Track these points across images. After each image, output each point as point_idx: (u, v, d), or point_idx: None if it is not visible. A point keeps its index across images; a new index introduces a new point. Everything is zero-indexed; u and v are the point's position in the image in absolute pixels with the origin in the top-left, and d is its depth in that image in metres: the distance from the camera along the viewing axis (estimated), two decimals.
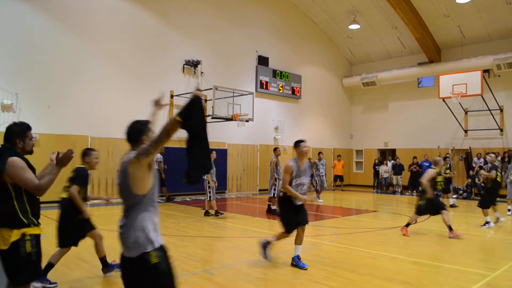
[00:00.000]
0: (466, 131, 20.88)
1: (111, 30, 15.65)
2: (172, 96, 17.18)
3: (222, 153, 18.67)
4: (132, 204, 3.08)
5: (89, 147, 5.98)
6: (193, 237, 8.75)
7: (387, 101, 24.45)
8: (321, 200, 16.01)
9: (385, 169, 21.71)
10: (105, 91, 15.37)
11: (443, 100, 19.04)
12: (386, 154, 23.93)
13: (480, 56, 19.73)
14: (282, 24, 21.99)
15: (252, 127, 19.22)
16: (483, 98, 18.45)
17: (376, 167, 22.27)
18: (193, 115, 3.07)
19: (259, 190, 20.25)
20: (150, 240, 3.02)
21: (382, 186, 21.92)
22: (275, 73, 21.18)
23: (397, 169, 21.02)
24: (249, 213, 12.63)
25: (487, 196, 10.98)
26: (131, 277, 3.04)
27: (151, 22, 16.74)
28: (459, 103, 19.21)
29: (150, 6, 16.68)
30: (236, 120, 16.14)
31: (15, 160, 3.61)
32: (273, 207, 12.34)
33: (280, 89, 21.39)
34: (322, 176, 16.66)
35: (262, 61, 20.71)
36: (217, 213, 11.82)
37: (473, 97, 18.51)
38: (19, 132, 3.82)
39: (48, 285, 5.36)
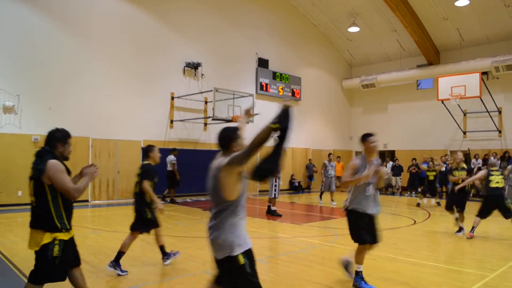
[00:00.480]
0: (464, 133, 20.97)
1: (111, 31, 15.74)
2: (172, 98, 17.25)
3: None
4: (222, 208, 3.22)
5: (151, 144, 6.52)
6: (194, 238, 8.81)
7: (386, 103, 24.53)
8: (335, 203, 15.45)
9: (385, 171, 21.71)
10: (105, 92, 15.45)
11: (442, 102, 19.13)
12: (385, 155, 23.98)
13: (479, 59, 19.81)
14: (282, 26, 22.09)
15: (252, 129, 19.19)
16: (481, 100, 18.53)
17: None
18: (286, 123, 3.44)
19: (259, 191, 20.31)
20: (239, 243, 3.20)
21: (384, 187, 21.98)
22: (275, 75, 21.28)
23: (396, 170, 21.09)
24: (249, 214, 12.69)
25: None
26: (221, 277, 3.31)
27: (151, 23, 16.83)
28: (458, 105, 19.30)
29: (150, 7, 16.77)
30: (236, 122, 16.15)
31: (55, 162, 3.77)
32: (273, 208, 12.39)
33: (280, 91, 21.48)
34: (332, 177, 15.99)
35: (262, 63, 20.81)
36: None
37: (472, 99, 18.58)
38: (60, 137, 3.99)
39: (120, 272, 5.95)
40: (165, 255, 6.55)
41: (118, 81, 15.84)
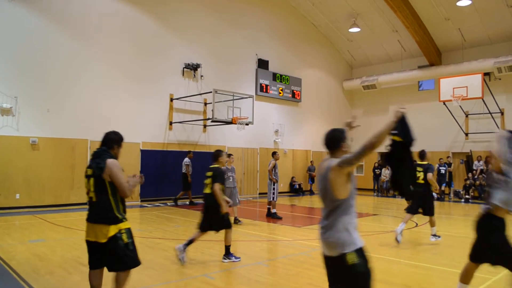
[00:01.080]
0: (466, 134, 20.84)
1: (110, 33, 15.65)
2: (171, 100, 17.17)
3: None
4: (334, 207, 3.31)
5: (219, 149, 7.51)
6: None
7: (387, 104, 24.40)
8: None
9: (387, 173, 21.65)
10: (104, 94, 15.35)
11: (444, 103, 19.01)
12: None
13: (481, 59, 19.69)
14: (282, 27, 22.01)
15: (252, 131, 19.20)
16: (483, 101, 18.42)
17: (376, 170, 22.22)
18: (410, 138, 3.53)
19: (259, 193, 20.20)
20: (351, 241, 3.27)
21: (383, 189, 21.87)
22: (275, 77, 21.18)
23: None
24: (249, 217, 12.58)
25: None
26: (333, 275, 3.40)
27: (150, 25, 16.75)
28: (460, 106, 19.17)
29: (149, 9, 16.69)
30: (236, 124, 16.10)
31: (114, 161, 4.24)
32: (273, 211, 12.29)
33: (280, 93, 21.39)
34: None
35: (262, 64, 20.72)
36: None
37: (474, 100, 18.44)
38: (118, 140, 4.48)
39: (234, 259, 6.90)
40: (227, 254, 7.01)
41: (117, 83, 15.76)
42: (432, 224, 8.72)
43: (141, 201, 16.01)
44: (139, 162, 16.00)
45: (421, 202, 8.64)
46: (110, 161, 4.18)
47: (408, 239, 9.17)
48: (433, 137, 21.68)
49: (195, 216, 12.55)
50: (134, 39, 16.28)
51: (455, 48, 21.56)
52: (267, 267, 6.83)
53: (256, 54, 20.60)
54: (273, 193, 12.17)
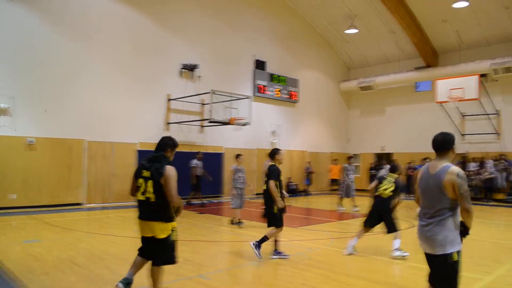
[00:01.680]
0: (463, 135, 20.91)
1: (109, 33, 15.65)
2: (169, 100, 17.17)
3: (219, 157, 18.68)
4: (445, 207, 3.61)
5: (277, 148, 7.84)
6: (189, 242, 8.72)
7: (384, 105, 24.48)
8: (357, 208, 14.45)
9: (383, 174, 21.67)
10: (101, 94, 15.35)
11: (440, 105, 19.06)
12: (383, 158, 23.92)
13: (478, 61, 19.75)
14: (280, 28, 22.04)
15: (249, 131, 19.21)
16: (480, 102, 18.48)
17: (372, 171, 22.26)
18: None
19: (256, 194, 20.18)
20: (458, 241, 3.60)
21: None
22: (272, 77, 21.20)
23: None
24: (245, 218, 12.58)
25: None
26: (434, 272, 3.73)
27: (148, 25, 16.75)
28: (456, 107, 19.25)
29: (147, 9, 16.69)
30: (233, 124, 16.12)
31: (172, 169, 4.62)
32: None
33: (277, 93, 21.41)
34: (352, 182, 14.94)
35: (260, 65, 20.74)
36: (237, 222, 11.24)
37: (470, 102, 18.50)
38: (172, 145, 4.89)
39: (283, 256, 7.24)
40: (275, 251, 7.35)
41: (115, 83, 15.75)
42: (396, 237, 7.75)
43: None
44: (135, 162, 15.98)
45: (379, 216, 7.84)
46: (168, 167, 4.60)
47: (405, 240, 9.18)
48: (429, 138, 21.64)
49: (191, 217, 12.58)
50: (133, 39, 16.28)
51: (452, 49, 21.62)
52: (261, 268, 6.84)
53: (254, 55, 20.62)
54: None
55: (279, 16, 22.00)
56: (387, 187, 7.77)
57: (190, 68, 17.75)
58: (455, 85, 18.03)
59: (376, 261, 7.29)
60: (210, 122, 16.01)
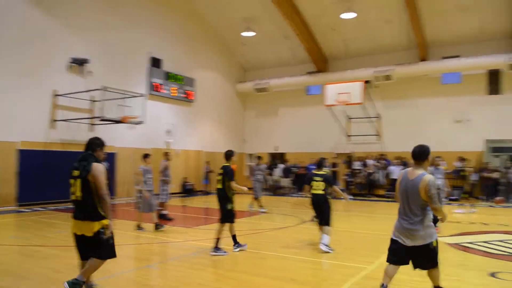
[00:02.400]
0: (349, 136, 22.43)
1: None
2: (55, 96, 15.95)
3: (111, 157, 17.79)
4: (423, 207, 4.69)
5: (232, 150, 8.15)
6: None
7: (278, 107, 25.33)
8: (265, 209, 14.42)
9: (277, 173, 22.49)
10: None
11: (329, 108, 20.21)
12: (277, 158, 24.76)
13: (362, 68, 21.35)
14: (177, 27, 21.68)
15: (143, 130, 18.63)
16: (364, 106, 19.94)
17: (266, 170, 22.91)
18: None
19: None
20: (435, 232, 4.77)
21: (274, 188, 22.56)
22: (168, 76, 20.77)
23: (286, 172, 21.86)
24: (139, 219, 12.15)
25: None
26: (417, 259, 4.78)
27: (34, 15, 15.38)
28: (343, 110, 20.58)
29: None
30: (126, 123, 15.49)
31: (99, 165, 4.78)
32: (165, 212, 11.96)
33: (173, 92, 21.02)
34: (260, 182, 14.93)
35: (155, 62, 20.20)
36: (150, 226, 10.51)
37: (355, 105, 19.85)
38: (99, 144, 5.06)
39: (222, 253, 7.48)
40: (216, 247, 7.57)
41: None
42: (326, 232, 8.17)
43: (19, 205, 14.63)
44: (16, 163, 14.62)
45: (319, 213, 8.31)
46: (95, 164, 4.74)
47: (295, 235, 9.55)
48: (319, 139, 23.00)
49: None
50: (12, 28, 14.81)
51: (340, 56, 23.11)
52: (157, 269, 6.66)
53: (150, 52, 20.03)
54: (165, 194, 11.87)
55: (177, 14, 21.63)
56: (318, 184, 8.15)
57: (79, 63, 16.66)
58: (343, 90, 19.19)
59: (270, 257, 7.49)
60: (101, 120, 15.23)
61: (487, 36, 19.40)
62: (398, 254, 4.82)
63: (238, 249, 7.75)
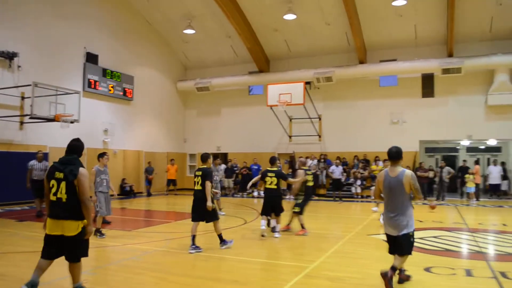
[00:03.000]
0: (290, 137, 22.70)
1: None
2: None
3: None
4: (405, 200, 5.44)
5: (206, 152, 8.62)
6: (4, 254, 7.59)
7: (220, 106, 25.15)
8: (223, 213, 13.76)
9: (220, 173, 22.26)
10: None
11: (271, 108, 20.33)
12: (219, 157, 24.52)
13: (304, 69, 21.66)
14: (114, 21, 20.84)
15: (78, 129, 17.70)
16: (305, 107, 20.24)
17: None
18: None
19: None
20: (412, 223, 5.50)
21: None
22: (105, 72, 19.90)
23: (229, 172, 21.75)
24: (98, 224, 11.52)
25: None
26: (396, 247, 5.52)
27: None
28: (285, 111, 20.76)
29: None
30: (59, 121, 14.68)
31: (85, 171, 5.02)
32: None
33: (110, 90, 20.19)
34: (217, 183, 14.12)
35: (91, 58, 19.28)
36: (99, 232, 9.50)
37: (297, 106, 20.11)
38: (81, 146, 5.33)
39: (199, 250, 7.71)
40: (222, 241, 7.97)
41: None
42: (278, 221, 9.58)
43: None
44: None
45: (273, 205, 9.41)
46: (82, 170, 4.98)
47: (237, 236, 9.45)
48: (261, 139, 23.09)
49: (9, 225, 11.02)
50: None
51: (282, 57, 23.32)
52: (94, 275, 6.28)
53: (85, 47, 19.10)
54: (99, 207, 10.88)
55: (115, 8, 20.81)
56: (271, 180, 8.93)
57: (7, 57, 15.56)
58: (284, 91, 19.37)
59: (212, 259, 7.33)
60: (31, 118, 14.30)
61: (422, 42, 20.36)
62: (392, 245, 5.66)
63: (224, 247, 7.97)
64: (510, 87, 18.71)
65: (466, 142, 22.21)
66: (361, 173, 19.99)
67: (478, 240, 8.91)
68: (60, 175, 4.92)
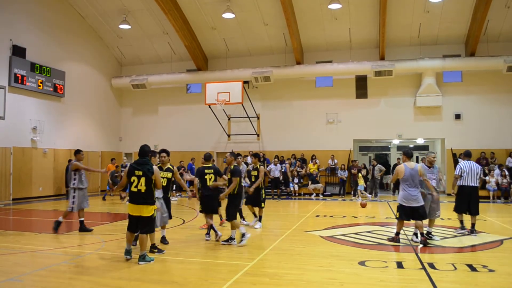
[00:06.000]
0: (229, 136, 22.70)
1: None
2: None
3: None
4: (417, 183, 8.16)
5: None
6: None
7: (157, 104, 24.64)
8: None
9: None
10: None
11: (209, 107, 20.22)
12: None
13: (242, 69, 21.76)
14: (44, 13, 19.74)
15: (4, 127, 16.69)
16: (243, 106, 20.33)
17: None
18: None
19: (13, 199, 17.69)
20: (422, 199, 8.28)
21: None
22: (33, 67, 18.81)
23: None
24: (2, 227, 10.81)
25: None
26: (418, 211, 8.20)
27: None
28: (223, 110, 20.73)
29: None
30: None
31: (157, 169, 7.09)
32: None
33: (39, 85, 19.12)
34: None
35: (18, 51, 18.12)
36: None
37: (235, 105, 20.18)
38: (150, 151, 7.39)
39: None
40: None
41: None
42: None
43: None
44: None
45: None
46: (156, 168, 6.97)
47: (175, 236, 9.30)
48: (200, 138, 22.94)
49: None
50: None
51: (220, 55, 23.25)
52: (21, 282, 5.90)
53: (11, 40, 17.93)
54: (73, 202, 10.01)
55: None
56: (210, 177, 8.84)
57: None
58: (222, 89, 19.36)
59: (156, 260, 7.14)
60: None
61: (356, 45, 21.15)
62: (407, 214, 8.17)
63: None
64: (436, 89, 19.93)
65: (396, 141, 23.35)
66: (298, 172, 20.41)
67: (408, 234, 9.38)
68: (139, 172, 6.74)
